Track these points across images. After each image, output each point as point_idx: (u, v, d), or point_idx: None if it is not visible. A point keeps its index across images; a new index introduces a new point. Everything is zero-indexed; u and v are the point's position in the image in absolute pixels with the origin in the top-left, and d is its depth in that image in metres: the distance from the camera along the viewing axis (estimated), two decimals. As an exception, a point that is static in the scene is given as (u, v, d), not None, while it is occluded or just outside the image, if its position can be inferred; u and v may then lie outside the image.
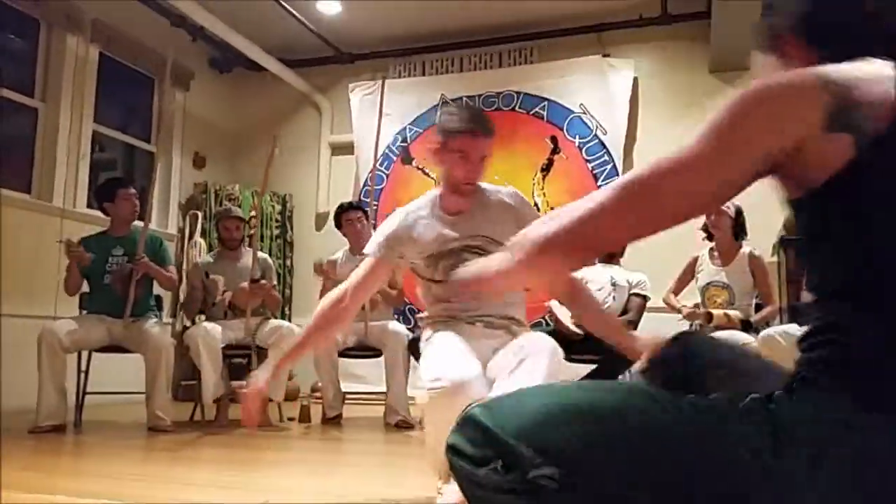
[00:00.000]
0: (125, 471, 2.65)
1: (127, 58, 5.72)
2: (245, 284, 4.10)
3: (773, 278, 4.48)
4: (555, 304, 3.80)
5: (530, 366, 1.88)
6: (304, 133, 6.68)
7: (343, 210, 4.58)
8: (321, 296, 4.49)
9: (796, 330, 3.32)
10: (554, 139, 5.77)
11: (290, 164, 6.56)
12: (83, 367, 3.91)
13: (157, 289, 4.14)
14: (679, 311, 4.01)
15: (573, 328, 3.74)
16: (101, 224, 4.18)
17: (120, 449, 3.17)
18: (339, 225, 4.57)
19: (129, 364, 3.95)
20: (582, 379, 4.07)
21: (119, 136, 5.86)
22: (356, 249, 4.49)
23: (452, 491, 1.79)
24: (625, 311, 3.99)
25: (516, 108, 5.92)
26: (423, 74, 6.29)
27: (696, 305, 4.01)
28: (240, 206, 5.27)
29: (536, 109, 5.85)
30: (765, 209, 4.80)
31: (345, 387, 4.41)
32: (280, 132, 6.54)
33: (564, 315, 3.76)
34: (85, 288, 3.96)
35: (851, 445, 0.82)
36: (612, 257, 4.12)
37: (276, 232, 6.31)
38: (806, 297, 3.54)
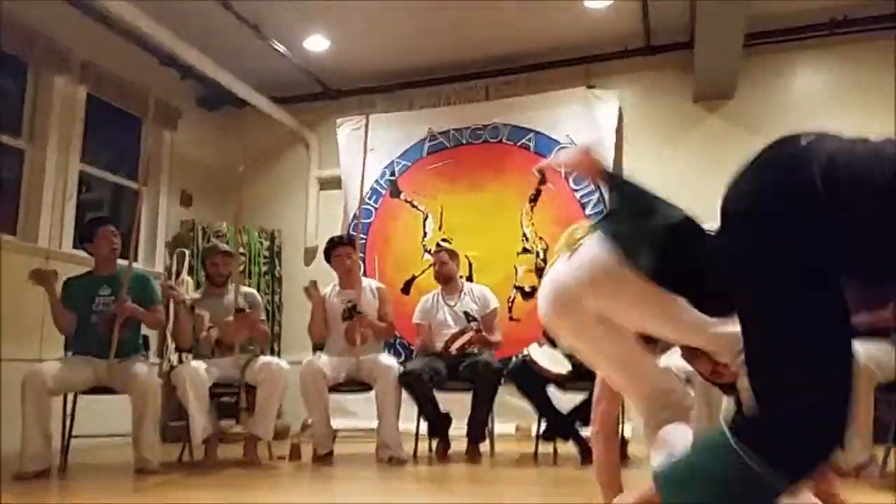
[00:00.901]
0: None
1: (115, 97, 5.73)
2: (230, 318, 4.06)
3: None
4: (533, 349, 3.80)
5: None
6: (292, 169, 6.69)
7: (333, 245, 4.56)
8: (309, 327, 4.47)
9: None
10: (541, 170, 5.79)
11: (278, 199, 6.56)
12: (69, 410, 3.83)
13: (144, 328, 4.08)
14: None
15: (549, 369, 3.74)
16: (86, 264, 4.14)
17: (107, 493, 3.10)
18: (328, 259, 4.55)
19: (116, 405, 3.86)
20: (575, 408, 4.04)
21: (107, 177, 5.85)
22: (346, 284, 4.47)
23: None
24: None
25: (503, 140, 5.96)
26: (410, 109, 6.33)
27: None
28: (227, 243, 5.23)
29: (523, 141, 5.90)
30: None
31: (336, 423, 4.35)
32: (268, 168, 6.56)
33: (543, 360, 3.76)
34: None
35: None
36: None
37: (264, 268, 6.28)
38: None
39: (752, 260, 1.22)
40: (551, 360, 3.77)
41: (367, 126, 4.79)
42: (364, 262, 5.52)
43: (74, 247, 5.07)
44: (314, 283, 4.46)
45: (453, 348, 4.23)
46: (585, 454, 3.91)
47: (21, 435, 3.41)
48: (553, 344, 3.91)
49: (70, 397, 3.82)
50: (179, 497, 3.00)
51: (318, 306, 4.40)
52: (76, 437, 3.89)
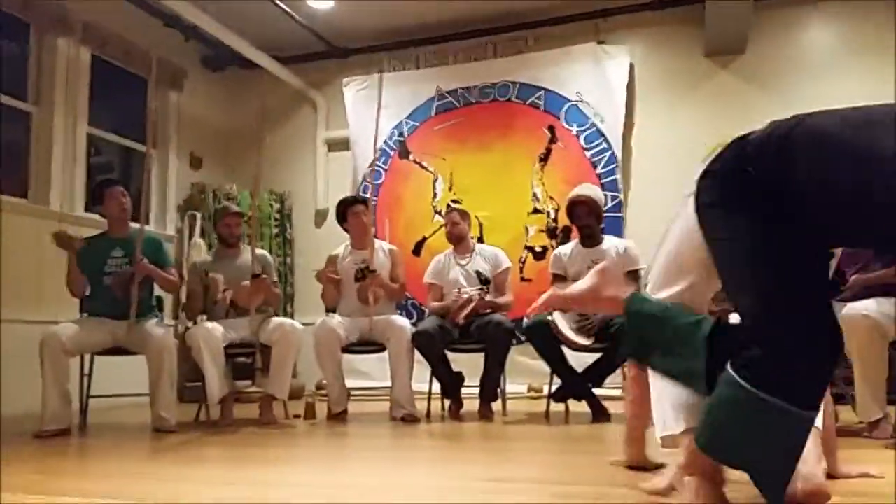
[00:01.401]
0: (132, 470, 2.63)
1: (120, 59, 5.68)
2: (246, 282, 4.08)
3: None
4: (556, 316, 3.82)
5: None
6: (299, 130, 6.65)
7: (348, 204, 4.55)
8: (323, 297, 4.49)
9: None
10: (551, 128, 5.74)
11: (287, 161, 6.53)
12: (86, 371, 3.89)
13: (158, 290, 4.11)
14: None
15: (573, 338, 3.77)
16: (98, 227, 4.15)
17: (125, 450, 3.15)
18: (343, 219, 4.53)
19: (133, 366, 3.91)
20: (588, 367, 4.08)
21: (114, 139, 5.83)
22: (359, 244, 4.47)
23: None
24: None
25: (512, 99, 5.89)
26: (418, 67, 6.26)
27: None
28: (238, 205, 5.23)
29: (533, 99, 5.83)
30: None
31: (349, 383, 4.39)
32: (275, 129, 6.52)
33: (565, 326, 3.79)
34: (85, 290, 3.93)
35: None
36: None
37: (275, 230, 6.29)
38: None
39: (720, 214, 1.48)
40: (570, 330, 3.81)
41: (380, 84, 4.72)
42: (374, 224, 5.52)
43: (86, 210, 5.08)
44: (325, 269, 4.46)
45: (460, 318, 4.23)
46: (597, 413, 3.97)
47: (41, 395, 3.47)
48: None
49: (87, 358, 3.88)
50: (197, 454, 3.05)
51: (331, 284, 4.40)
52: (94, 397, 3.96)
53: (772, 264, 1.28)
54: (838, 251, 3.26)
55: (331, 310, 4.50)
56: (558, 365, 4.01)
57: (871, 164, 1.20)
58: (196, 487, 2.24)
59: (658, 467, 2.39)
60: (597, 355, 4.02)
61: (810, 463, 1.64)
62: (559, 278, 4.14)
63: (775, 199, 1.36)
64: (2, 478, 2.27)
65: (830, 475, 1.95)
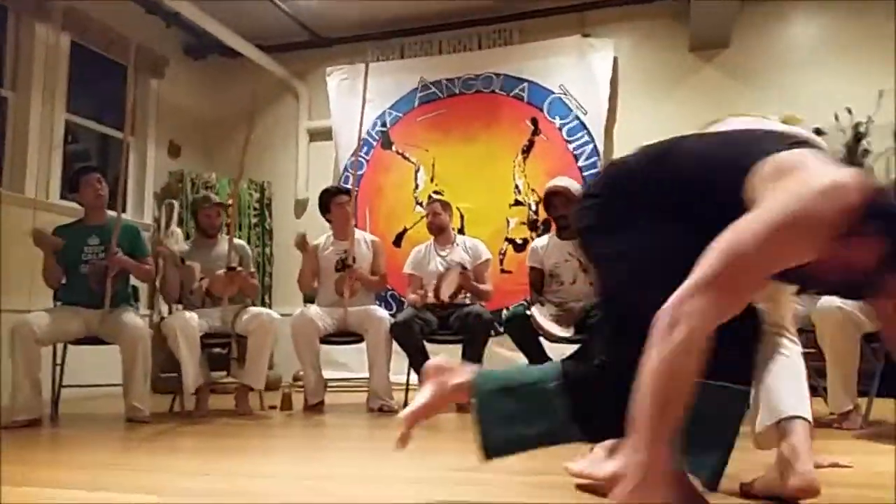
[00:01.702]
0: (105, 461, 2.60)
1: (100, 46, 5.60)
2: (221, 272, 4.04)
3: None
4: (535, 308, 3.87)
5: None
6: (281, 119, 6.60)
7: (332, 194, 4.54)
8: (299, 279, 4.47)
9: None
10: (534, 120, 5.73)
11: (268, 151, 6.48)
12: (58, 360, 3.84)
13: (133, 279, 4.06)
14: None
15: (552, 330, 3.81)
16: (74, 215, 4.09)
17: (98, 441, 3.12)
18: (326, 209, 4.51)
19: (106, 356, 3.88)
20: (569, 356, 4.07)
21: (93, 126, 5.75)
22: (341, 235, 4.45)
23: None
24: None
25: (496, 91, 5.88)
26: (402, 58, 6.22)
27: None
28: (217, 195, 5.18)
29: (517, 91, 5.81)
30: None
31: (327, 374, 4.38)
32: (257, 119, 6.45)
33: (544, 318, 3.83)
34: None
35: None
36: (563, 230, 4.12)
37: (254, 220, 6.24)
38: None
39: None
40: (550, 324, 3.84)
41: (366, 74, 4.69)
42: (356, 215, 5.48)
43: (62, 197, 5.01)
44: (303, 236, 4.44)
45: (444, 294, 4.23)
46: None
47: (11, 385, 3.42)
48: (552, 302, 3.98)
49: (59, 348, 3.83)
50: (172, 445, 3.02)
51: (309, 258, 4.39)
52: (66, 387, 3.91)
53: (673, 262, 1.26)
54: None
55: (308, 300, 4.48)
56: (537, 357, 4.02)
57: (727, 170, 1.35)
58: (170, 477, 2.21)
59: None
60: (575, 346, 4.02)
61: (802, 458, 1.65)
62: (536, 271, 4.16)
63: (660, 205, 1.46)
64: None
65: None
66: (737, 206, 1.25)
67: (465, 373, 1.70)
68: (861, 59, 5.19)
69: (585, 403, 1.51)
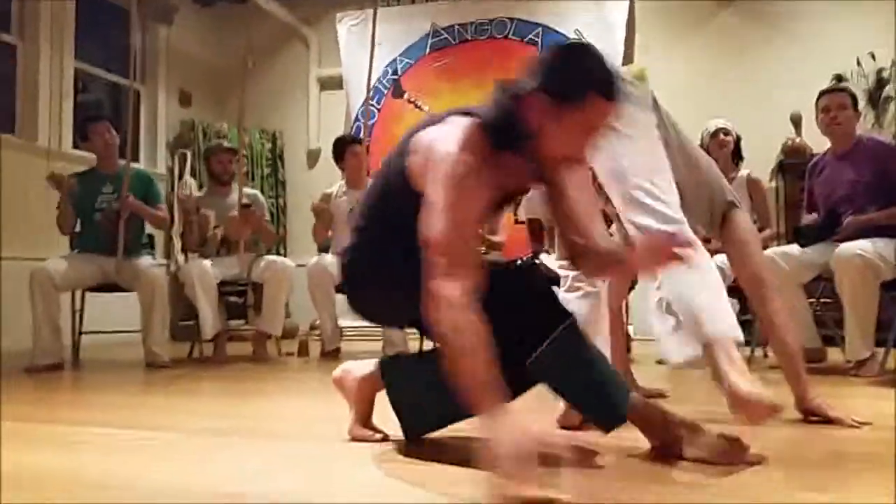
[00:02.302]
0: (125, 402, 2.64)
1: (106, -9, 5.52)
2: (235, 212, 4.04)
3: (771, 202, 4.44)
4: (544, 258, 3.86)
5: None
6: (291, 68, 6.51)
7: (347, 143, 4.50)
8: (314, 234, 4.47)
9: (796, 251, 3.29)
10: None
11: (278, 100, 6.42)
12: (77, 307, 3.88)
13: (149, 228, 4.07)
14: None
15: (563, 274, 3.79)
16: (87, 164, 4.09)
17: (118, 384, 3.17)
18: (340, 157, 4.48)
19: (124, 303, 3.92)
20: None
21: (103, 75, 5.70)
22: (355, 183, 4.42)
23: None
24: None
25: (510, 36, 5.76)
26: (413, 2, 6.09)
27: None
28: (229, 143, 5.15)
29: (530, 36, 5.70)
30: (763, 136, 4.75)
31: (342, 322, 4.40)
32: (266, 67, 6.37)
33: (552, 266, 3.82)
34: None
35: None
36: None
37: (266, 171, 6.22)
38: (807, 218, 3.50)
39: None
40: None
41: (374, 18, 4.60)
42: (368, 164, 5.45)
43: (74, 146, 5.00)
44: (324, 198, 4.41)
45: None
46: None
47: (32, 330, 3.46)
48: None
49: (78, 295, 3.87)
50: (190, 388, 3.06)
51: (323, 217, 4.37)
52: (86, 333, 3.95)
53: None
54: (836, 192, 3.27)
55: (322, 248, 4.49)
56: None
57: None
58: (189, 418, 2.25)
59: (649, 396, 2.42)
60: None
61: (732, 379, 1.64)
62: (533, 222, 4.14)
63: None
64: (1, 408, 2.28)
65: (804, 407, 1.99)
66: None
67: (367, 365, 1.76)
68: (877, 6, 5.03)
69: None
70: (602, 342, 1.98)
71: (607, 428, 1.55)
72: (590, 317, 1.99)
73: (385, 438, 1.71)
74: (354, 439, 1.72)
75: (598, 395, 1.54)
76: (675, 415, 1.55)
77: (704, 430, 1.49)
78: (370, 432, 1.73)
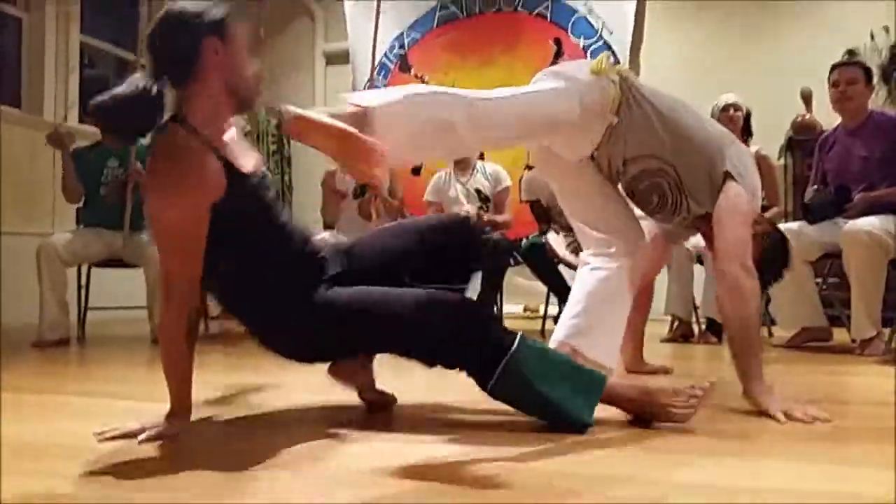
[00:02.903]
0: (132, 375, 2.66)
1: (110, -35, 5.48)
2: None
3: (780, 179, 4.41)
4: (551, 236, 3.85)
5: None
6: (297, 43, 6.48)
7: None
8: (323, 211, 4.46)
9: (804, 228, 3.27)
10: (558, 41, 5.58)
11: (284, 75, 6.38)
12: (83, 282, 3.90)
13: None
14: None
15: (568, 258, 3.80)
16: (94, 139, 4.07)
17: (125, 358, 3.19)
18: None
19: (131, 278, 3.93)
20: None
21: (109, 49, 5.68)
22: (359, 160, 4.40)
23: None
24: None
25: (518, 9, 5.71)
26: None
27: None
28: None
29: (540, 9, 5.64)
30: (773, 112, 4.70)
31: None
32: (272, 42, 6.33)
33: (560, 246, 3.81)
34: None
35: None
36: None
37: (272, 148, 6.20)
38: (811, 194, 3.47)
39: None
40: (567, 248, 3.87)
41: (378, -3, 4.55)
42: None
43: (80, 121, 5.00)
44: (328, 176, 4.40)
45: None
46: None
47: (39, 305, 3.48)
48: (565, 229, 3.97)
49: (84, 270, 3.88)
50: (198, 362, 3.07)
51: (332, 194, 4.36)
52: (93, 309, 3.97)
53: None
54: (847, 168, 3.24)
55: (329, 225, 4.48)
56: (557, 285, 4.04)
57: None
58: (197, 389, 2.25)
59: (654, 372, 2.43)
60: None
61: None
62: (535, 204, 4.13)
63: None
64: (1, 379, 2.29)
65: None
66: None
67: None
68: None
69: None
70: (617, 320, 1.98)
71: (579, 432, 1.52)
72: (607, 292, 1.98)
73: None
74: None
75: (558, 413, 1.52)
76: (653, 389, 1.62)
77: (684, 391, 1.56)
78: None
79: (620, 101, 1.86)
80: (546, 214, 4.11)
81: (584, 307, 1.96)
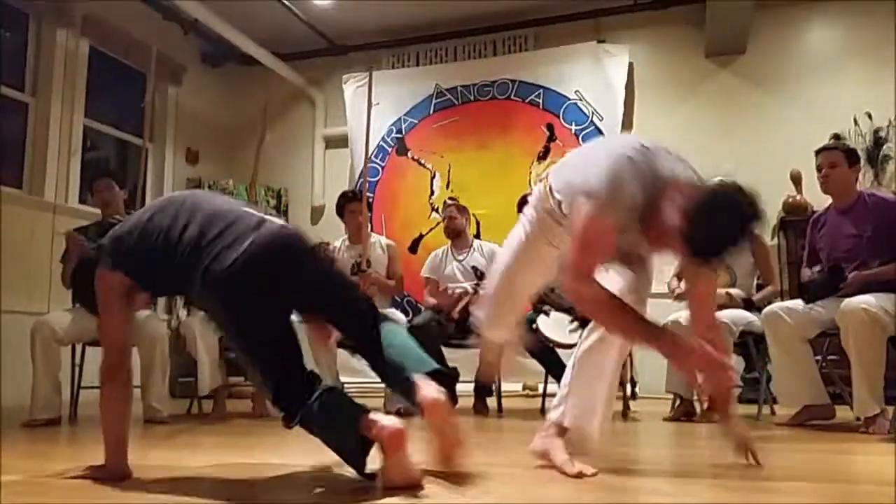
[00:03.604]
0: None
1: (118, 52, 5.67)
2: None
3: (774, 259, 4.44)
4: (541, 321, 3.97)
5: None
6: (298, 126, 6.64)
7: (347, 200, 4.56)
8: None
9: (801, 306, 3.28)
10: (550, 126, 5.74)
11: (284, 158, 6.51)
12: (77, 361, 3.85)
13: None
14: (681, 297, 3.93)
15: (560, 341, 3.88)
16: (93, 219, 4.12)
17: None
18: (342, 213, 4.54)
19: (125, 357, 3.88)
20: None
21: (112, 132, 5.81)
22: (355, 239, 4.46)
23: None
24: None
25: (512, 97, 5.89)
26: (417, 64, 6.26)
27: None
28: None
29: (532, 97, 5.82)
30: (764, 193, 4.78)
31: (342, 379, 4.36)
32: (273, 126, 6.49)
33: (550, 331, 3.92)
34: (78, 280, 3.90)
35: None
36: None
37: (271, 225, 6.25)
38: (806, 273, 3.49)
39: None
40: (557, 329, 3.86)
41: (370, 80, 4.73)
42: (371, 221, 5.51)
43: (81, 201, 5.06)
44: (325, 244, 4.44)
45: (454, 313, 4.23)
46: None
47: (31, 385, 3.43)
48: (549, 306, 4.00)
49: (78, 349, 3.84)
50: (189, 442, 3.01)
51: None
52: (86, 388, 3.91)
53: None
54: (839, 247, 3.27)
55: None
56: (553, 366, 4.03)
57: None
58: (190, 471, 2.20)
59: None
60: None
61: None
62: None
63: None
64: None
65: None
66: None
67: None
68: (881, 62, 5.16)
69: None
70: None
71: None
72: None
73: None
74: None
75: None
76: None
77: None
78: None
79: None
80: (536, 297, 4.12)
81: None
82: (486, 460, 2.16)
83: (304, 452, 2.66)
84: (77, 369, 3.84)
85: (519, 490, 1.80)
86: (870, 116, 5.03)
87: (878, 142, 5.02)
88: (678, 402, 3.74)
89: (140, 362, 3.64)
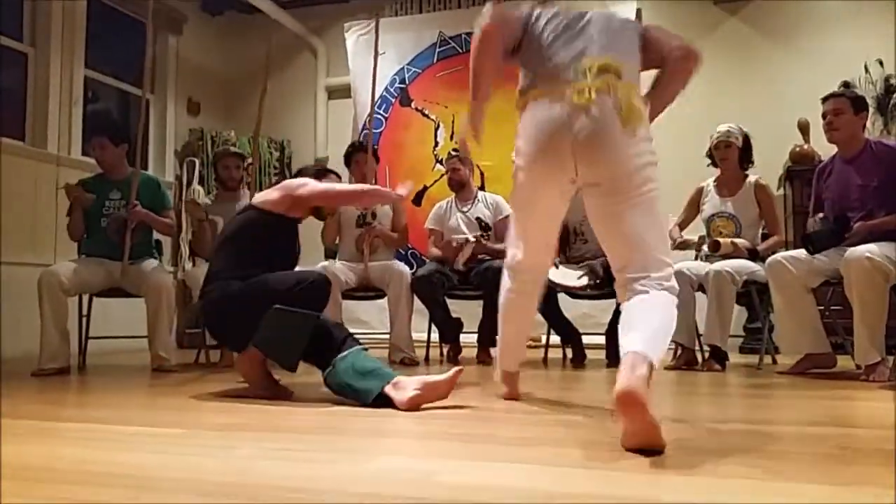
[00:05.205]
0: (132, 402, 2.64)
1: (117, 1, 5.58)
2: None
3: (779, 209, 4.42)
4: (551, 272, 3.90)
5: None
6: (300, 77, 6.56)
7: (355, 149, 4.56)
8: (322, 235, 4.48)
9: (803, 255, 3.27)
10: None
11: (287, 109, 6.45)
12: (84, 312, 3.89)
13: (157, 234, 4.09)
14: (682, 246, 3.92)
15: (567, 283, 3.90)
16: (96, 171, 4.11)
17: (125, 386, 3.17)
18: (348, 164, 4.54)
19: (131, 308, 3.93)
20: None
21: (112, 83, 5.76)
22: (359, 189, 4.45)
23: None
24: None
25: (516, 45, 5.78)
26: (420, 11, 6.14)
27: (702, 238, 3.95)
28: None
29: (537, 45, 5.71)
30: (771, 143, 4.74)
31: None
32: (275, 76, 6.40)
33: (560, 279, 3.89)
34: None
35: None
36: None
37: (274, 179, 6.24)
38: (812, 224, 3.47)
39: None
40: (565, 277, 3.86)
41: (377, 28, 4.65)
42: (376, 173, 5.48)
43: (83, 154, 5.04)
44: None
45: (459, 264, 4.23)
46: (578, 358, 4.13)
47: (40, 334, 3.47)
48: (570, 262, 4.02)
49: (85, 300, 3.88)
50: (197, 389, 3.05)
51: (333, 217, 4.39)
52: (93, 338, 3.96)
53: None
54: (845, 197, 3.25)
55: (330, 254, 4.49)
56: (553, 314, 4.06)
57: None
58: (198, 415, 2.25)
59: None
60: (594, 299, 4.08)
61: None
62: None
63: None
64: (1, 407, 2.28)
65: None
66: None
67: None
68: (885, 9, 5.03)
69: None
70: None
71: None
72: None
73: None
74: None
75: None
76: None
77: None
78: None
79: None
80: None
81: None
82: (487, 405, 2.19)
83: (312, 403, 2.72)
84: (84, 319, 3.89)
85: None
86: (881, 63, 4.94)
87: (888, 89, 4.94)
88: (680, 350, 3.76)
89: (146, 311, 3.68)
